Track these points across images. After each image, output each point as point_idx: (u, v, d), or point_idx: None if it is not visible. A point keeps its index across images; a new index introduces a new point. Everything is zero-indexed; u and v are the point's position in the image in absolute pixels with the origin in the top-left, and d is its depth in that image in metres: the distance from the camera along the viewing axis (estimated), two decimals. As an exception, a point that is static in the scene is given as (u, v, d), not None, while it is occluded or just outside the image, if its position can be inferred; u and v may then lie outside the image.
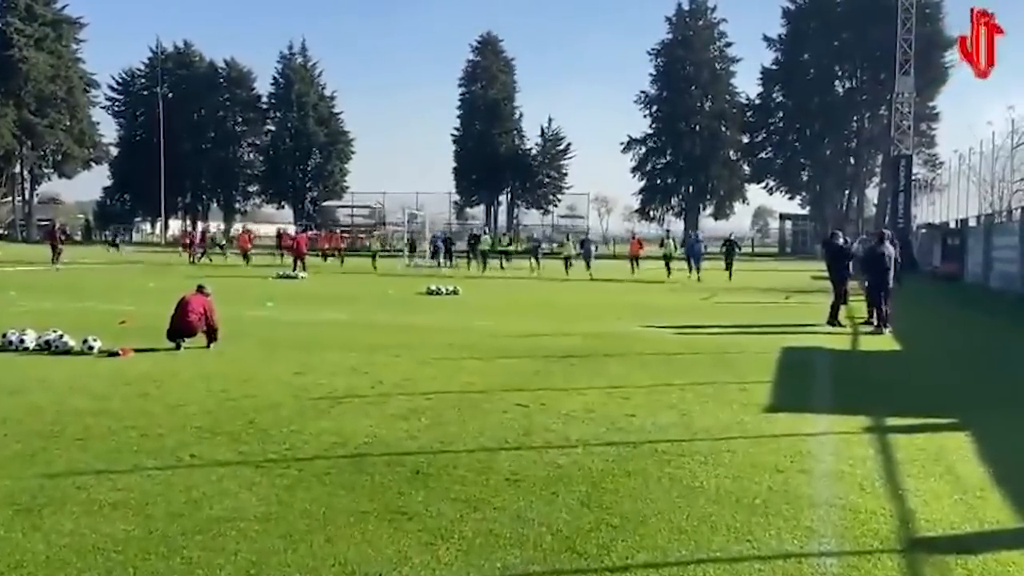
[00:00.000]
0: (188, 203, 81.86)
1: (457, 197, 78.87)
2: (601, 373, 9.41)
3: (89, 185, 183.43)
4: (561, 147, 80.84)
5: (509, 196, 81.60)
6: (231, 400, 7.66)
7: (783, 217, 71.87)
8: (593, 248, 36.12)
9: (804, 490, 5.12)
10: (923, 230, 41.21)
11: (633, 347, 11.72)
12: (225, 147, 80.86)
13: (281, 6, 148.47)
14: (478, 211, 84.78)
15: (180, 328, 10.39)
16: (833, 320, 14.74)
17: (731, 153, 74.45)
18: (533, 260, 34.11)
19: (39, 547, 4.07)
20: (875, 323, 14.27)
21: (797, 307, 18.77)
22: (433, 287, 21.29)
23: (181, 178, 75.91)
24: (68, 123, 70.36)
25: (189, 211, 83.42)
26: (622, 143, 75.60)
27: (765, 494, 5.02)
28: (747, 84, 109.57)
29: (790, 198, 73.50)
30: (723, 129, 73.11)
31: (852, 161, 69.46)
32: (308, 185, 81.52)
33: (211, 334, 10.61)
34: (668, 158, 74.88)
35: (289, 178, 79.74)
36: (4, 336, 10.43)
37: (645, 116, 75.33)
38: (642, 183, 76.00)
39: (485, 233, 38.76)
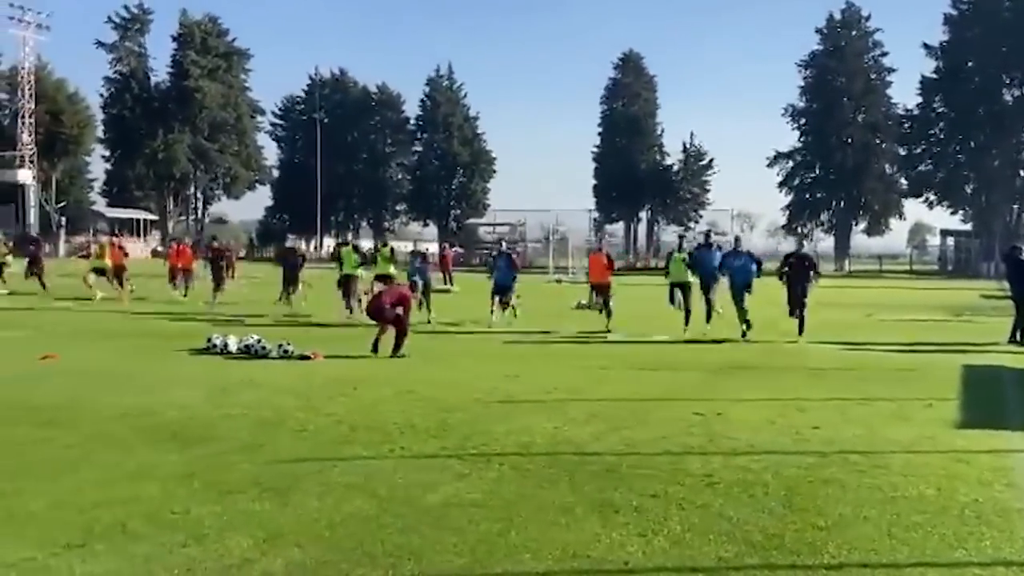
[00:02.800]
0: (341, 222, 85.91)
1: (597, 214, 79.14)
2: (772, 386, 9.36)
3: (252, 205, 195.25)
4: (704, 162, 79.77)
5: (649, 212, 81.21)
6: (420, 401, 8.16)
7: (944, 233, 67.88)
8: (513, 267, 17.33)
9: (1013, 503, 5.01)
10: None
11: (799, 361, 11.57)
12: (375, 168, 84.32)
13: (430, 32, 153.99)
14: (617, 227, 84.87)
15: (377, 310, 11.08)
16: (1016, 339, 13.95)
17: (886, 166, 71.09)
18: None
19: (291, 521, 4.57)
20: (1064, 343, 13.36)
21: (970, 326, 17.82)
22: (584, 301, 21.48)
23: (335, 198, 79.79)
24: (236, 148, 75.52)
25: (341, 230, 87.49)
26: (768, 157, 73.70)
27: (972, 505, 4.95)
28: (904, 94, 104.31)
29: (952, 213, 69.21)
30: (878, 141, 69.96)
31: (1022, 173, 64.85)
32: (452, 204, 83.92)
33: (400, 335, 11.18)
34: (818, 172, 72.24)
35: (434, 197, 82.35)
36: (209, 340, 11.47)
37: (793, 129, 73.12)
38: (789, 198, 73.72)
39: (347, 243, 20.33)
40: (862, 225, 72.66)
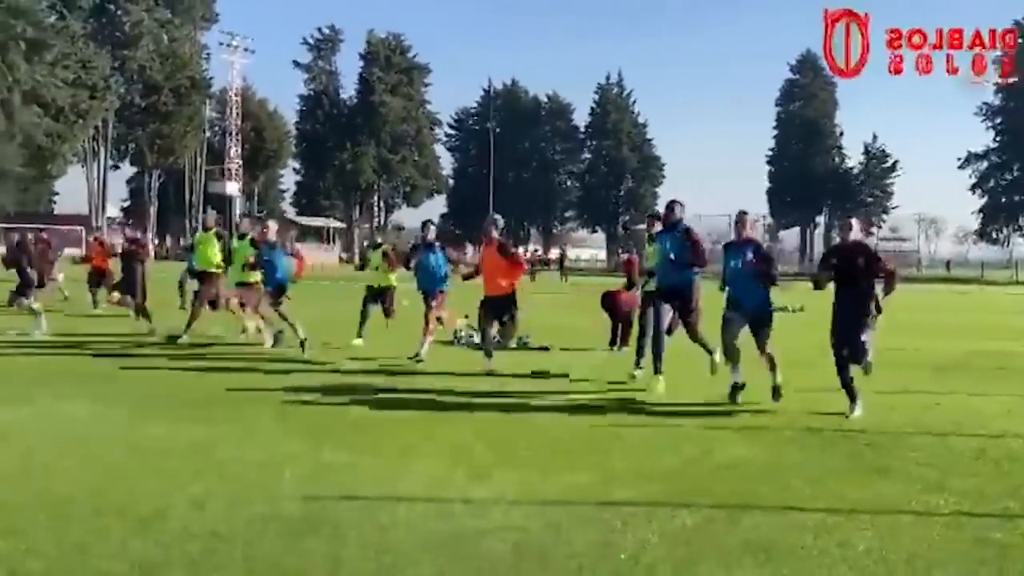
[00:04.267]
0: (511, 229, 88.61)
1: (771, 219, 77.58)
2: (997, 383, 9.62)
3: (429, 213, 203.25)
4: (886, 164, 76.49)
5: (827, 217, 78.66)
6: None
7: None
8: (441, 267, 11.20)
9: None
10: None
11: (1018, 363, 11.64)
12: (545, 175, 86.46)
13: (600, 40, 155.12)
14: (792, 232, 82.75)
15: (614, 312, 12.08)
16: None
17: (1096, 166, 65.71)
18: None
19: (619, 468, 5.56)
20: None
21: None
22: (783, 305, 21.41)
23: (506, 205, 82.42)
24: (416, 159, 79.84)
25: (511, 236, 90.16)
26: (959, 158, 69.79)
27: None
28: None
29: None
30: (1087, 139, 64.76)
31: None
32: (620, 210, 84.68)
33: (626, 332, 12.13)
34: (1016, 173, 67.70)
35: (603, 203, 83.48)
36: (455, 334, 12.89)
37: (988, 128, 68.92)
38: (982, 201, 69.44)
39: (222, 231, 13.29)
40: (1066, 229, 67.42)
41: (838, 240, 8.10)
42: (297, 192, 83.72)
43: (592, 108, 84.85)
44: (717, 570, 3.77)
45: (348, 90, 79.94)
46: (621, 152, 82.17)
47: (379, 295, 12.02)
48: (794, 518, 4.53)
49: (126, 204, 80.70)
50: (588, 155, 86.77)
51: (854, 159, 77.94)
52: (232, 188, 68.19)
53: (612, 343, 12.23)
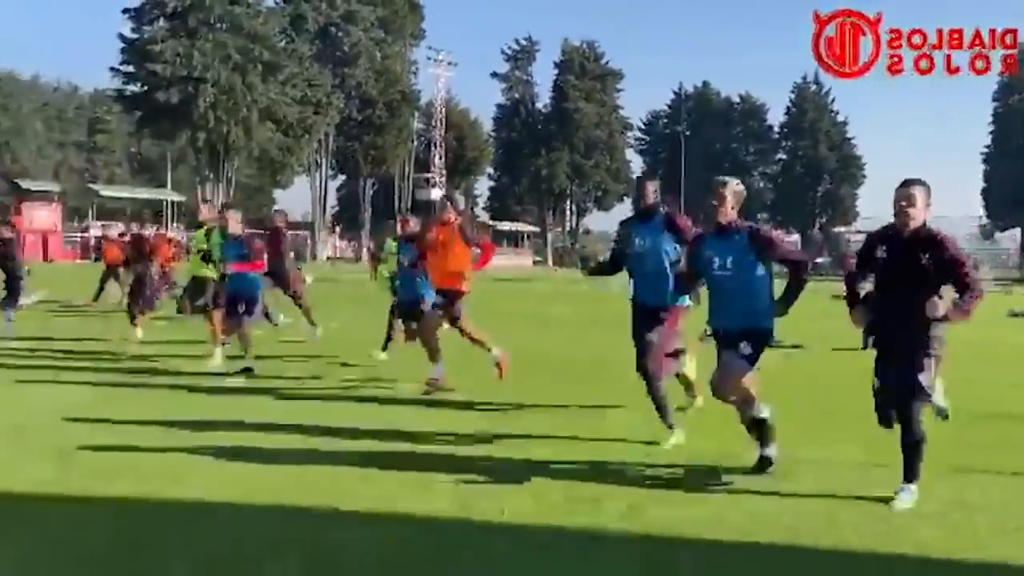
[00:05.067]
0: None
1: (986, 221, 72.67)
2: None
3: (619, 217, 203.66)
4: None
5: (1052, 218, 72.58)
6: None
7: None
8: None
9: None
10: None
11: None
12: (737, 176, 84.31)
13: (795, 40, 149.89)
14: (1010, 236, 77.01)
15: None
16: None
17: None
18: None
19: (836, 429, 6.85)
20: None
21: None
22: (1019, 309, 20.65)
23: (695, 208, 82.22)
24: (608, 163, 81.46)
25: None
26: None
27: None
28: None
29: None
30: None
31: None
32: (816, 211, 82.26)
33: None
34: None
35: (799, 204, 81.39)
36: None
37: None
38: None
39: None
40: None
41: (893, 222, 4.84)
42: (491, 197, 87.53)
43: (788, 107, 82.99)
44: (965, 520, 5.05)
45: (543, 98, 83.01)
46: (819, 152, 79.80)
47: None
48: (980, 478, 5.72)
49: (335, 210, 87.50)
50: (783, 156, 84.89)
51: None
52: (436, 195, 72.73)
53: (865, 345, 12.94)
